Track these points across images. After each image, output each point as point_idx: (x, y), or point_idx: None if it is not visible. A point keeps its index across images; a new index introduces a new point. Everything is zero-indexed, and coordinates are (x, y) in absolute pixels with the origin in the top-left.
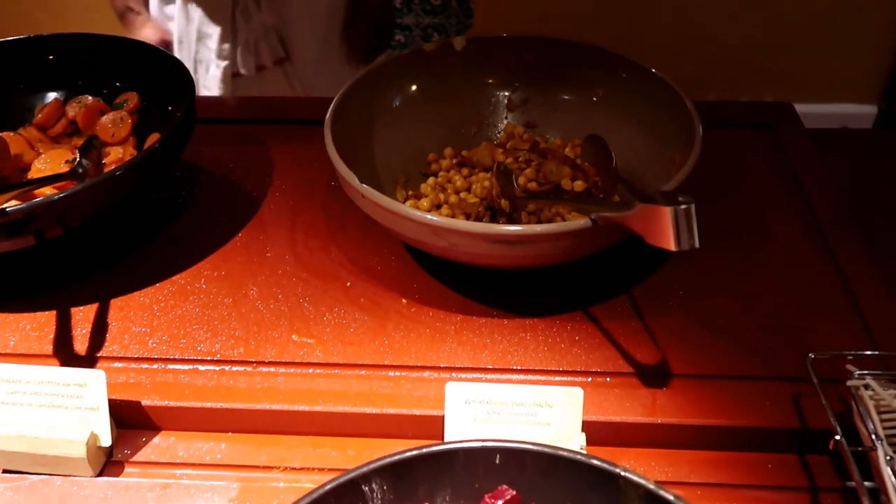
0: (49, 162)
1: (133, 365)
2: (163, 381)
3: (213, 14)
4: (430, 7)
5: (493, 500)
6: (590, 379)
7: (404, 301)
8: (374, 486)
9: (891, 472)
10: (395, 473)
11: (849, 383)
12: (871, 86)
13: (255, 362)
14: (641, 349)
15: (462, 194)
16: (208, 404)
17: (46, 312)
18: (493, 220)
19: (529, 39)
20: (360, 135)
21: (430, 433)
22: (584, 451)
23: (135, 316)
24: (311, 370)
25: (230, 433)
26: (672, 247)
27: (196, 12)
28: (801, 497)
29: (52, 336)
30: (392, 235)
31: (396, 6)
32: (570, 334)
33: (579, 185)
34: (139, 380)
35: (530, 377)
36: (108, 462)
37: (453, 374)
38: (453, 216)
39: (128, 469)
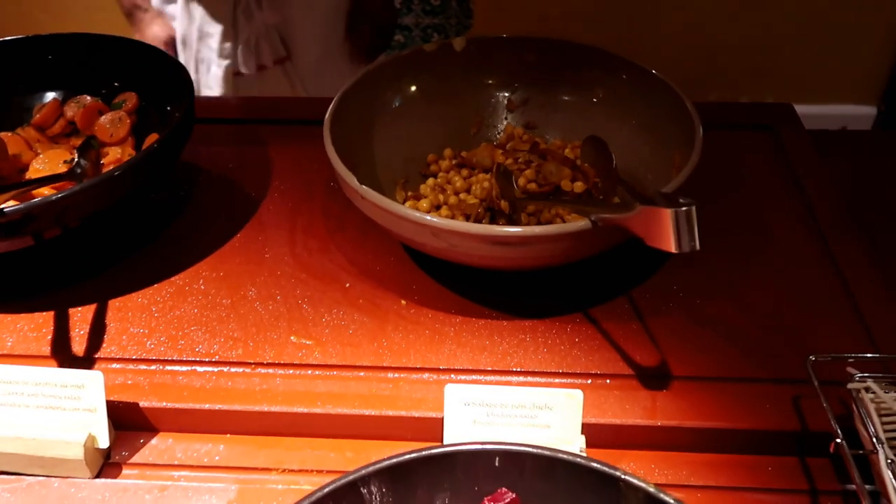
0: (47, 162)
1: (131, 366)
2: (161, 382)
3: (214, 13)
4: (430, 7)
5: (492, 503)
6: (589, 381)
7: (403, 302)
8: (372, 488)
9: (892, 476)
10: (394, 476)
11: (849, 386)
12: (871, 87)
13: (254, 364)
14: (641, 351)
15: (462, 195)
16: (206, 406)
17: (44, 313)
18: (493, 221)
19: (529, 40)
20: (359, 135)
21: (429, 435)
22: (584, 454)
23: (133, 317)
24: (309, 371)
25: (228, 435)
26: (673, 249)
27: (198, 11)
28: (801, 500)
29: (49, 337)
30: (391, 236)
31: (396, 6)
32: (569, 336)
33: (579, 186)
34: (137, 381)
35: (530, 379)
36: (106, 464)
37: (452, 375)
38: (453, 217)
39: (126, 471)
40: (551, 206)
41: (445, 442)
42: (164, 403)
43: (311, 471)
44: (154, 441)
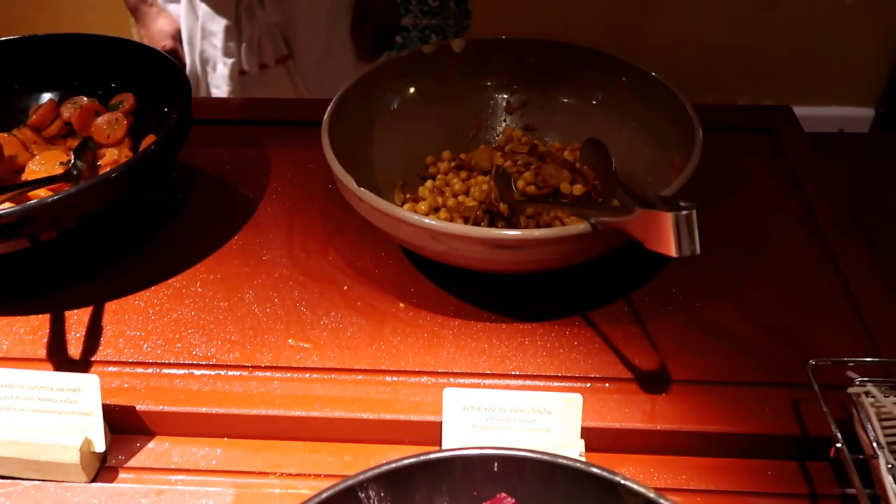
0: (43, 163)
1: (127, 369)
2: (157, 385)
3: (217, 11)
4: (428, 8)
5: None
6: (588, 384)
7: (402, 305)
8: (371, 493)
9: (892, 481)
10: (393, 481)
11: (850, 390)
12: (869, 89)
13: (251, 367)
14: (641, 354)
15: (460, 198)
16: (203, 409)
17: (40, 316)
18: (492, 223)
19: (528, 42)
20: (357, 137)
21: (427, 439)
22: (583, 458)
23: (129, 319)
24: (307, 375)
25: (225, 438)
26: (673, 253)
27: (201, 9)
28: None
29: (45, 340)
30: (390, 239)
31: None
32: (568, 339)
33: (578, 188)
34: (133, 384)
35: (529, 382)
36: (102, 468)
37: (451, 379)
38: (451, 220)
39: (122, 475)
40: (550, 209)
41: (444, 446)
42: (161, 407)
43: (309, 475)
44: (151, 445)
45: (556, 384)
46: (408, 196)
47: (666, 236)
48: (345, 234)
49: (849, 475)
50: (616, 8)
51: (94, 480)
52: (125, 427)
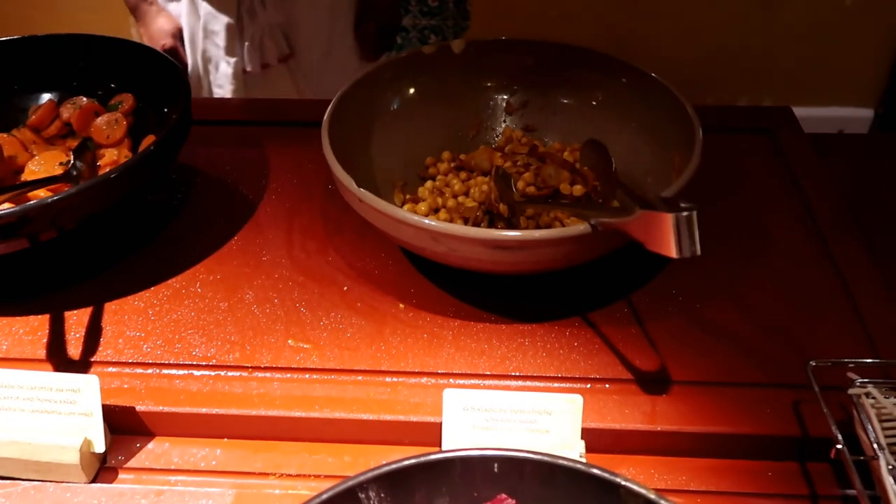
0: (43, 164)
1: (127, 370)
2: (157, 386)
3: (219, 10)
4: (427, 9)
5: None
6: (589, 385)
7: (401, 306)
8: (371, 494)
9: (892, 482)
10: (393, 482)
11: (850, 391)
12: (869, 90)
13: (251, 367)
14: (641, 355)
15: (460, 198)
16: (203, 410)
17: (40, 316)
18: (492, 224)
19: (528, 43)
20: (357, 137)
21: (427, 440)
22: (584, 459)
23: (129, 320)
24: (307, 375)
25: (225, 439)
26: (673, 254)
27: (202, 9)
28: None
29: (45, 340)
30: (389, 240)
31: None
32: (568, 340)
33: (578, 189)
34: (133, 385)
35: (529, 383)
36: (102, 468)
37: (451, 380)
38: (451, 220)
39: (122, 475)
40: (550, 210)
41: (444, 447)
42: (161, 407)
43: (309, 475)
44: (150, 445)
45: (556, 385)
46: (408, 197)
47: (666, 237)
48: (344, 234)
49: (849, 476)
50: (615, 9)
51: (93, 481)
52: (125, 427)
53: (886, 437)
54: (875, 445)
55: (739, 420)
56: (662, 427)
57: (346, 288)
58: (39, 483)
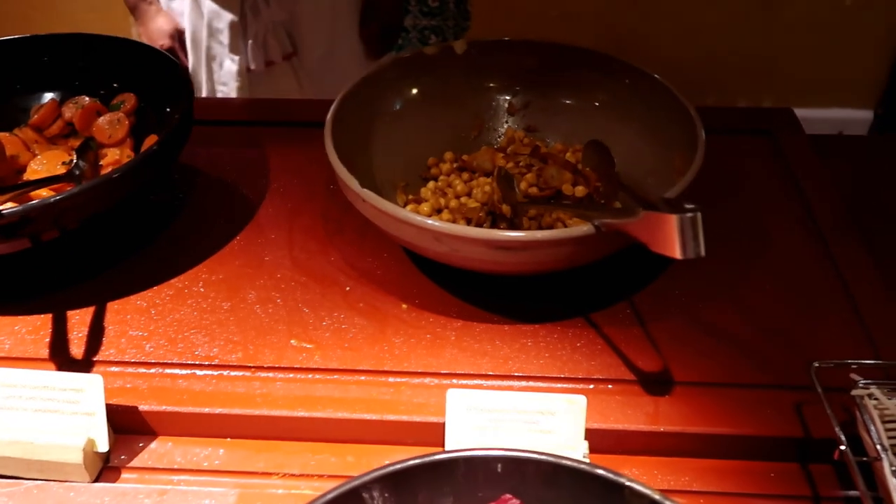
0: (45, 163)
1: (130, 369)
2: (160, 385)
3: (222, 8)
4: (428, 9)
5: None
6: (591, 386)
7: (404, 306)
8: (374, 494)
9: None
10: (397, 482)
11: (853, 392)
12: (868, 91)
13: (254, 367)
14: (643, 356)
15: (463, 199)
16: (206, 409)
17: (42, 315)
18: (494, 225)
19: (531, 43)
20: (360, 138)
21: (430, 440)
22: (587, 460)
23: (132, 320)
24: (309, 375)
25: (228, 439)
26: (678, 255)
27: (206, 7)
28: None
29: (48, 340)
30: (392, 240)
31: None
32: (571, 341)
33: (580, 190)
34: (136, 384)
35: (531, 384)
36: (105, 468)
37: (454, 380)
38: (454, 221)
39: (125, 475)
40: (553, 211)
41: (447, 447)
42: (164, 407)
43: (312, 475)
44: (153, 445)
45: (559, 386)
46: (410, 197)
47: (671, 238)
48: (346, 234)
49: (852, 477)
50: (616, 9)
51: (96, 480)
52: (128, 427)
53: (889, 438)
54: (878, 447)
55: (742, 421)
56: (665, 428)
57: (348, 288)
58: (43, 482)
